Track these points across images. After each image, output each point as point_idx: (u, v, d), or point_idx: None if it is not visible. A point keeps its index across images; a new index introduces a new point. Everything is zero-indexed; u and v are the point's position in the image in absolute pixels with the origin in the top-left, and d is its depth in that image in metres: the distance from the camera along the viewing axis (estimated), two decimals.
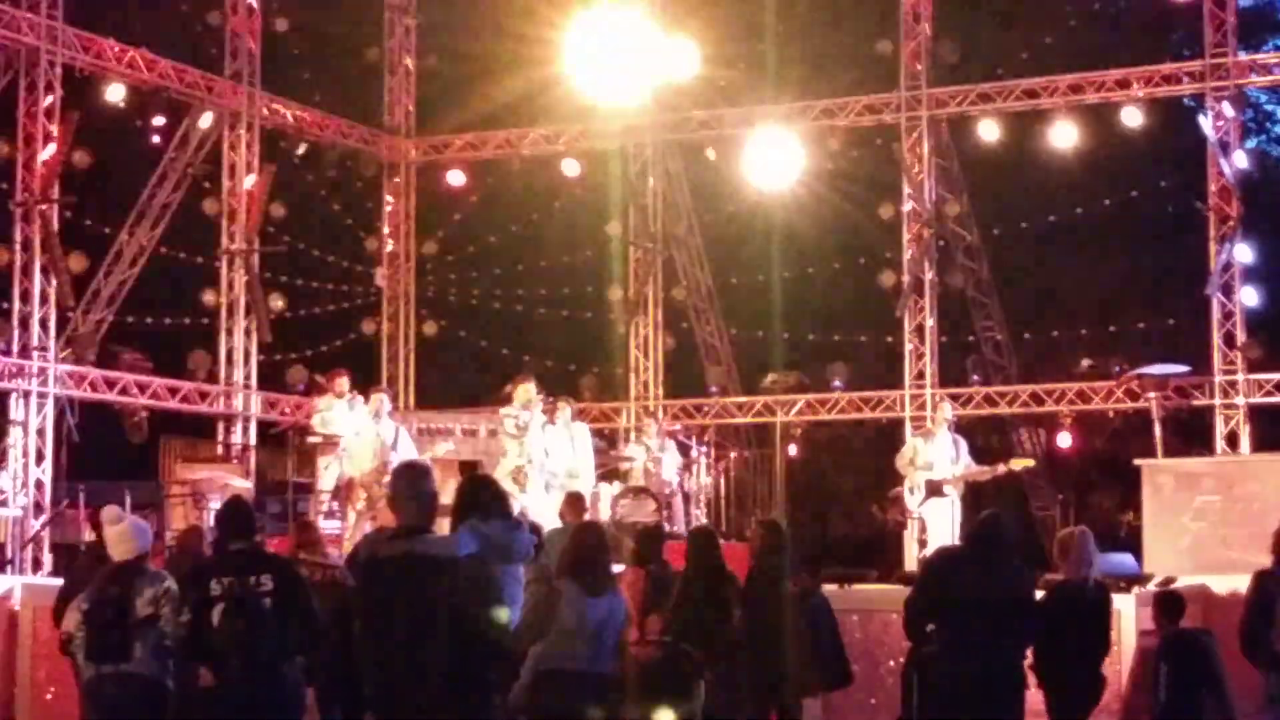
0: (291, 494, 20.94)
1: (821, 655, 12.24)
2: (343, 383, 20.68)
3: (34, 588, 18.33)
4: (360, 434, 19.64)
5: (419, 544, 7.97)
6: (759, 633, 12.08)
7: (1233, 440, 23.81)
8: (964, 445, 19.69)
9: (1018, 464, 20.53)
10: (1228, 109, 24.32)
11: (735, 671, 11.94)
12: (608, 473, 21.84)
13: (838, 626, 12.46)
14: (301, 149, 26.82)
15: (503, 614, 8.13)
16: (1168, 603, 12.60)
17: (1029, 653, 11.14)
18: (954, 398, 24.94)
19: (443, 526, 8.82)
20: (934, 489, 19.12)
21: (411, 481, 8.32)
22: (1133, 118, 24.79)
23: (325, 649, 10.58)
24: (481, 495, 9.08)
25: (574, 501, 16.34)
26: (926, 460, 19.46)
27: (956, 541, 18.17)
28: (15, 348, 22.39)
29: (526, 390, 20.00)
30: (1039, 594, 11.55)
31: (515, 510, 11.14)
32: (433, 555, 7.92)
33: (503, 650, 8.08)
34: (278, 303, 26.57)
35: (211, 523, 16.72)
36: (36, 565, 21.62)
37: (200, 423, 25.49)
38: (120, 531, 11.20)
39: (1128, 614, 14.36)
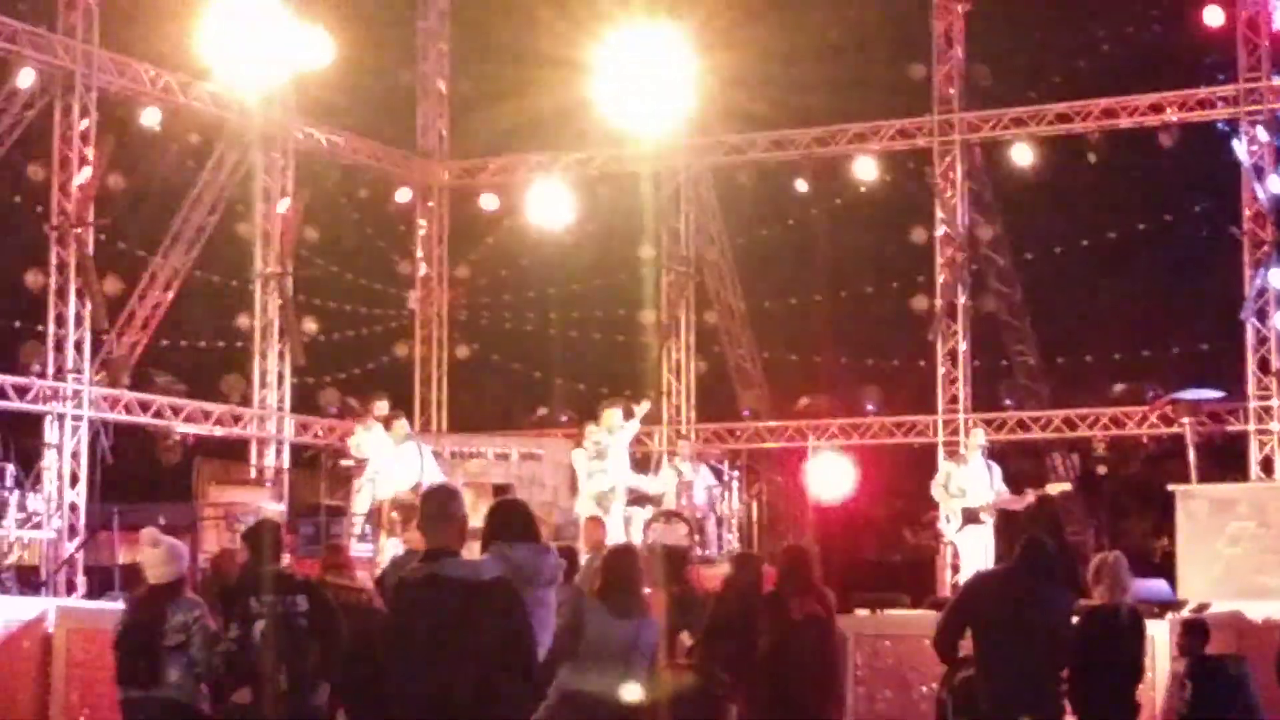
0: (324, 517, 20.98)
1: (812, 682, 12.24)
2: (381, 406, 20.73)
3: (68, 610, 18.36)
4: (389, 458, 19.70)
5: (443, 567, 7.97)
6: (773, 655, 12.08)
7: (1267, 466, 23.71)
8: (997, 471, 19.66)
9: (1054, 489, 20.46)
10: (1262, 134, 24.26)
11: (763, 694, 11.92)
12: (640, 497, 21.81)
13: (834, 655, 12.47)
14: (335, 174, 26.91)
15: (528, 638, 8.11)
16: (1191, 629, 12.56)
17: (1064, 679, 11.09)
18: (987, 422, 24.90)
19: (473, 550, 8.83)
20: (970, 516, 19.11)
21: (440, 504, 8.31)
22: (1166, 142, 24.74)
23: (352, 671, 10.59)
24: (509, 520, 9.10)
25: (594, 526, 16.39)
26: (960, 486, 19.42)
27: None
28: (50, 371, 22.47)
29: (612, 415, 20.12)
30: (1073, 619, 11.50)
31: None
32: (457, 578, 7.91)
33: (528, 674, 8.06)
34: (311, 326, 26.65)
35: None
36: (70, 588, 21.66)
37: (234, 446, 25.52)
38: (158, 554, 11.20)
39: (1161, 640, 14.29)
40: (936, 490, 19.70)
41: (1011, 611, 10.63)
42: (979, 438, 20.06)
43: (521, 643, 7.95)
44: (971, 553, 19.05)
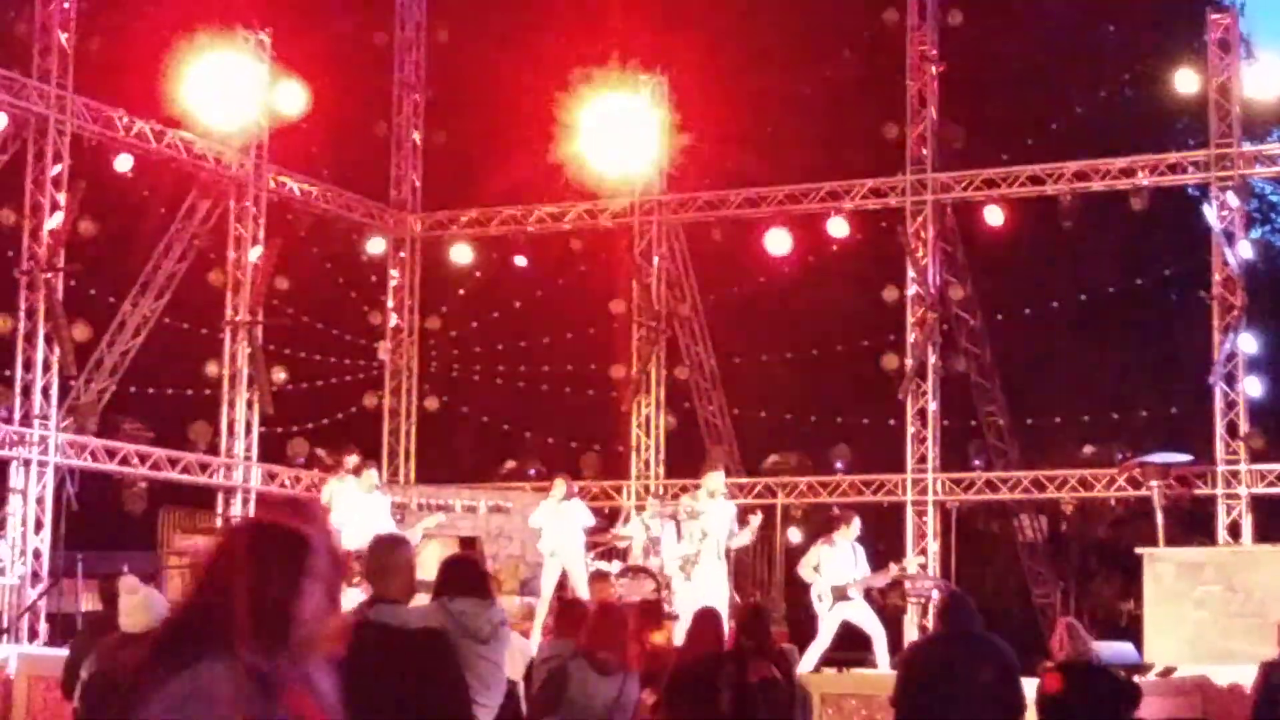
0: None
1: None
2: (351, 459, 20.68)
3: (30, 657, 18.23)
4: (356, 509, 19.63)
5: (375, 613, 7.96)
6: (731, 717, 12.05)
7: (1235, 530, 23.73)
8: (863, 553, 19.91)
9: (910, 563, 21.65)
10: (1232, 199, 24.38)
11: None
12: (606, 551, 21.76)
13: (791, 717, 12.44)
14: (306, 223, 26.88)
15: (458, 690, 8.08)
16: None
17: None
18: (955, 482, 24.97)
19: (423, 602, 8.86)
20: (840, 594, 19.42)
21: (384, 553, 8.34)
22: (1138, 206, 24.86)
23: None
24: (457, 574, 9.15)
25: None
26: (829, 567, 19.67)
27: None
28: (17, 416, 22.37)
29: (715, 478, 20.13)
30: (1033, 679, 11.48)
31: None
32: (384, 623, 7.89)
33: None
34: (280, 375, 26.56)
35: None
36: (33, 634, 21.53)
37: (200, 494, 25.40)
38: (136, 602, 11.03)
39: None
40: (805, 571, 19.86)
41: (940, 675, 10.65)
42: (855, 528, 20.17)
43: (448, 694, 7.91)
44: (833, 627, 19.41)
